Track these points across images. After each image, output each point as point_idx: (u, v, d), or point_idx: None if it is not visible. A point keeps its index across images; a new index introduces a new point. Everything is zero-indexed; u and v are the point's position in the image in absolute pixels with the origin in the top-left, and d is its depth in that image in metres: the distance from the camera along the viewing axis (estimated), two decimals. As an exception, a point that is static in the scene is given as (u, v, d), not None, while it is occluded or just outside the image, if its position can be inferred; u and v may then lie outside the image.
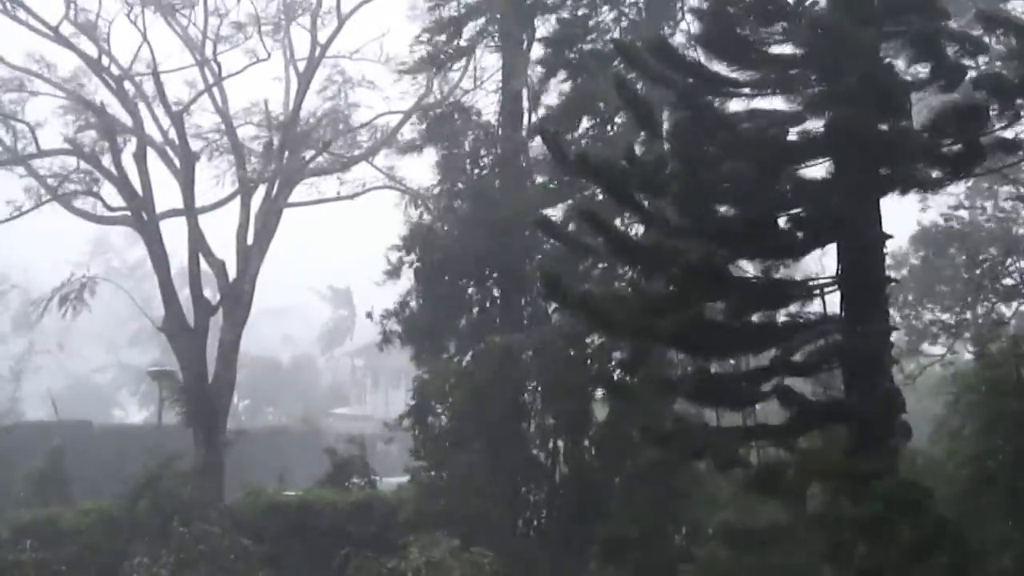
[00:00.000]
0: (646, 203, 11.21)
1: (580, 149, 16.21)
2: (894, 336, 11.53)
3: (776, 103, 10.90)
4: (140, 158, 26.18)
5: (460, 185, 22.19)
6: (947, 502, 11.21)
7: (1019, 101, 9.81)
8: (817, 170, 10.53)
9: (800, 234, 10.49)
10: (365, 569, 18.04)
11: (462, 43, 23.34)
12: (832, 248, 10.90)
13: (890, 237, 10.96)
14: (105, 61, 26.64)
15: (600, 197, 14.32)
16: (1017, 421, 12.23)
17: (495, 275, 21.56)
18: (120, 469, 24.68)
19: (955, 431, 13.19)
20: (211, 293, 27.48)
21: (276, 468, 27.47)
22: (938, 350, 27.06)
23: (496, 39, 23.11)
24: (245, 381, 43.33)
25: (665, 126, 11.18)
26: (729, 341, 11.08)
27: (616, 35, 21.06)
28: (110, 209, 27.38)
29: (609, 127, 19.89)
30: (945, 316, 26.91)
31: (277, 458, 30.42)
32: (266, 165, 27.43)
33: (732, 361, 12.65)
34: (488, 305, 21.79)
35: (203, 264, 26.62)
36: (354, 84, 28.30)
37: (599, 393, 18.44)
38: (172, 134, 26.68)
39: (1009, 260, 24.48)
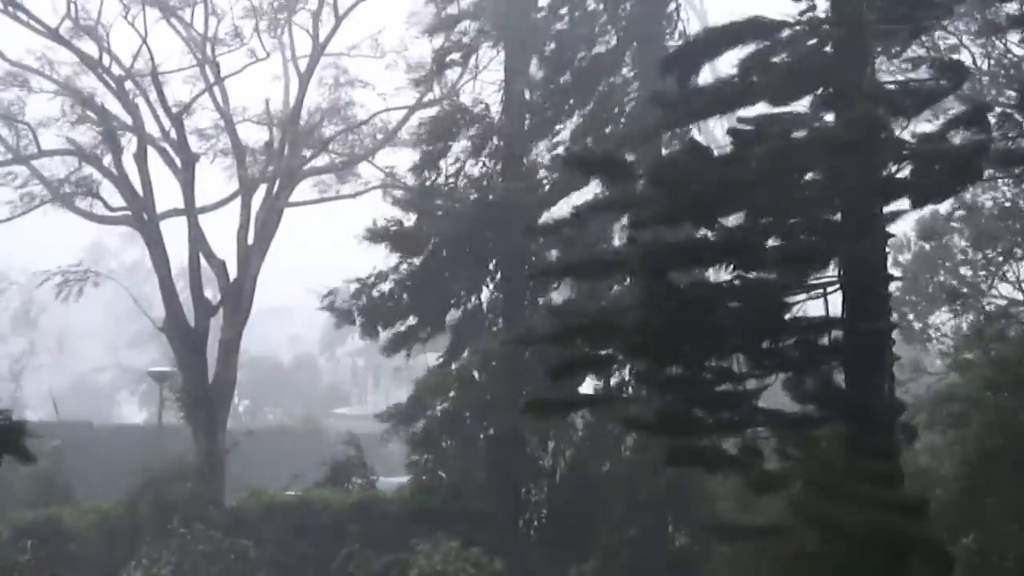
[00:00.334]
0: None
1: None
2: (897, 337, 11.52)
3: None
4: (140, 158, 26.11)
5: (453, 182, 22.21)
6: (947, 502, 11.19)
7: None
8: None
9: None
10: (366, 569, 18.04)
11: (464, 41, 23.33)
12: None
13: (892, 236, 10.95)
14: (106, 61, 26.63)
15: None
16: (1018, 421, 12.23)
17: (495, 272, 21.55)
18: (120, 469, 24.60)
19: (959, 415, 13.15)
20: (211, 293, 27.41)
21: (277, 468, 27.40)
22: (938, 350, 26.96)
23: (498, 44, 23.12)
24: (246, 381, 43.21)
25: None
26: (729, 341, 11.04)
27: (615, 35, 21.19)
28: (111, 209, 27.35)
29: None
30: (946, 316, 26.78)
31: (278, 458, 30.38)
32: (267, 164, 27.41)
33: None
34: (481, 300, 21.78)
35: (204, 264, 26.57)
36: (354, 82, 28.26)
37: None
38: (172, 134, 26.65)
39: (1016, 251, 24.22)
